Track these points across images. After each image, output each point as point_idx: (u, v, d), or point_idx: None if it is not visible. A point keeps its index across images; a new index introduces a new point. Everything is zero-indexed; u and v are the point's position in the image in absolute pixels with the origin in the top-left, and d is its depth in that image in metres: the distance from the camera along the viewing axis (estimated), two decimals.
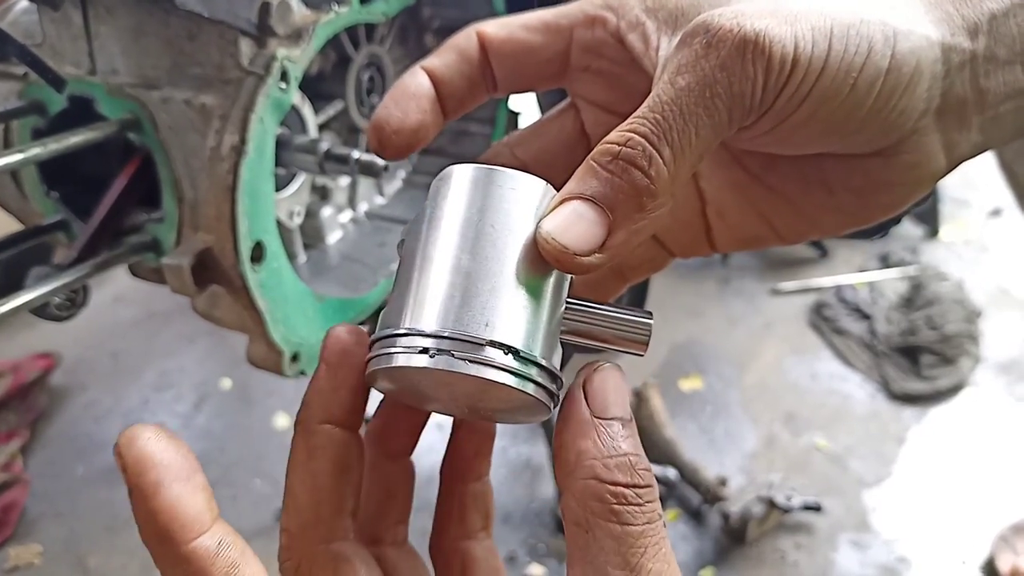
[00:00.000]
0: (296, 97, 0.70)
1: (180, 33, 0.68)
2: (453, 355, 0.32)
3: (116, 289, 2.04)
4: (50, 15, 0.72)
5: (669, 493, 1.51)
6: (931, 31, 0.37)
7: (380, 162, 0.85)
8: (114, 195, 0.76)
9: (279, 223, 0.81)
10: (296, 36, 0.69)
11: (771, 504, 1.38)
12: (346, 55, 0.93)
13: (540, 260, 0.34)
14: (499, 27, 0.42)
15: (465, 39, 0.42)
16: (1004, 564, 1.37)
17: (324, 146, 0.82)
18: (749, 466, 1.62)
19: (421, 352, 0.32)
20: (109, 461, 1.68)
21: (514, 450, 1.61)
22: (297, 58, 0.68)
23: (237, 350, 1.93)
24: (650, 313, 0.37)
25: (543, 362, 0.33)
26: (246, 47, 0.66)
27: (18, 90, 0.75)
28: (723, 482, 1.45)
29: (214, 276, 0.67)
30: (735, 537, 1.40)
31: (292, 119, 0.84)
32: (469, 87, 0.43)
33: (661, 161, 0.34)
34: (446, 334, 0.32)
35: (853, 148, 0.39)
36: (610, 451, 0.34)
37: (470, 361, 0.32)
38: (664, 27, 0.40)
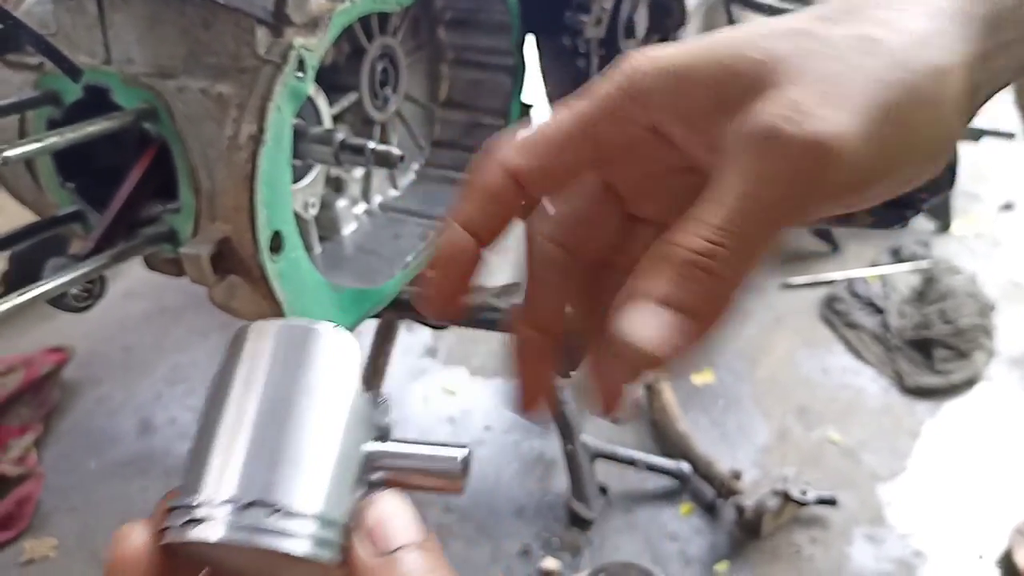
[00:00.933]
0: (311, 88, 0.70)
1: (195, 21, 0.67)
2: (200, 522, 0.32)
3: (127, 284, 2.04)
4: (65, 4, 0.72)
5: (683, 487, 1.50)
6: (961, 47, 0.37)
7: (396, 152, 0.84)
8: (130, 186, 0.76)
9: (295, 214, 0.81)
10: (312, 25, 0.68)
11: (786, 498, 1.37)
12: (360, 46, 0.93)
13: (333, 416, 0.35)
14: (526, 155, 0.39)
15: (495, 179, 0.39)
16: (1021, 558, 1.37)
17: (340, 136, 0.81)
18: (762, 460, 1.61)
19: (189, 522, 0.32)
20: (122, 455, 1.68)
21: (527, 444, 1.61)
22: (314, 47, 0.67)
23: None
24: (463, 446, 0.36)
25: (313, 515, 0.33)
26: (262, 36, 0.66)
27: (33, 80, 0.75)
28: (737, 476, 1.44)
29: (232, 266, 0.67)
30: (750, 531, 1.40)
31: (307, 110, 0.83)
32: (505, 225, 0.41)
33: (741, 272, 0.35)
34: (217, 501, 0.32)
35: (907, 187, 0.40)
36: None
37: (235, 527, 0.32)
38: (704, 113, 0.38)
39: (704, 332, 0.35)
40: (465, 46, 1.12)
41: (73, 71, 0.67)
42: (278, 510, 0.32)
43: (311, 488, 0.33)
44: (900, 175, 0.37)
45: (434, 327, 1.00)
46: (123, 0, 0.70)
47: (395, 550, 0.34)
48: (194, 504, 0.32)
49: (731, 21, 1.30)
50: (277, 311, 0.70)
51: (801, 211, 0.35)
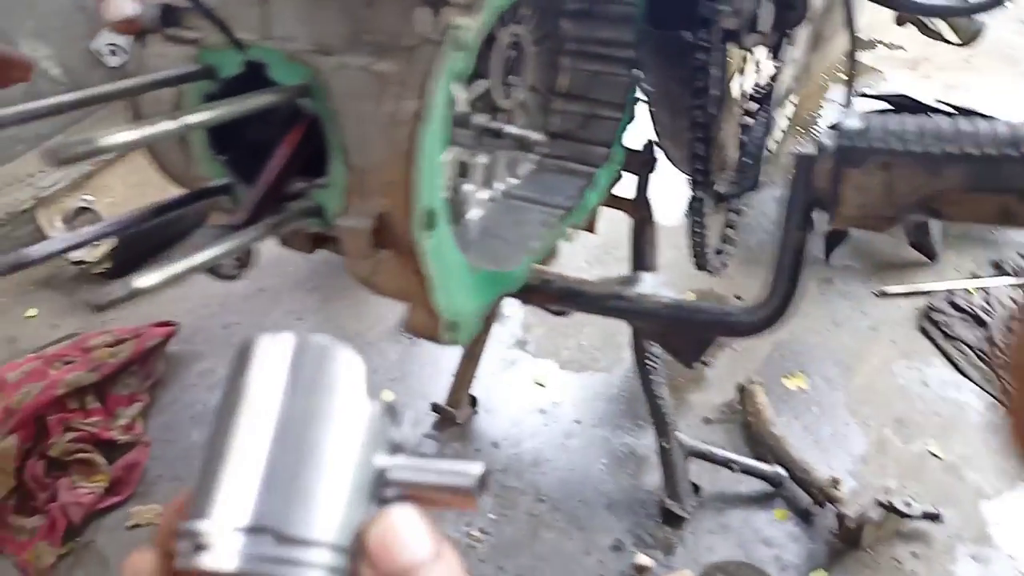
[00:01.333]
0: (467, 67, 0.71)
1: (358, 0, 0.69)
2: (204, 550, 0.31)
3: None
4: None
5: (777, 492, 1.47)
6: None
7: (533, 136, 0.85)
8: (280, 160, 0.78)
9: None
10: (468, 6, 0.69)
11: (891, 509, 1.33)
12: (491, 34, 0.94)
13: (346, 436, 0.34)
14: None
15: None
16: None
17: (479, 119, 0.82)
18: (859, 470, 1.57)
19: (199, 548, 0.31)
20: None
21: (617, 440, 1.60)
22: (472, 27, 0.68)
23: (345, 329, 1.96)
24: (481, 464, 0.35)
25: (326, 543, 0.32)
26: (423, 14, 0.67)
27: (192, 55, 0.78)
28: (836, 483, 1.41)
29: (385, 241, 0.68)
30: (850, 541, 1.36)
31: None
32: None
33: None
34: (229, 527, 0.31)
35: None
36: None
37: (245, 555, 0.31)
38: None
39: None
40: (586, 38, 1.12)
41: (239, 44, 0.69)
42: (291, 539, 0.31)
43: (324, 515, 0.32)
44: None
45: (557, 314, 1.00)
46: None
47: (403, 569, 0.33)
48: (204, 530, 0.31)
49: (850, 19, 1.27)
50: (422, 287, 0.71)
51: None
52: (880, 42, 3.30)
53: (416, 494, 0.35)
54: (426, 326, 0.73)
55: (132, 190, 2.43)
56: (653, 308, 0.84)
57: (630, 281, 0.96)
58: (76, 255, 2.25)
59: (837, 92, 1.81)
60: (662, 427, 1.40)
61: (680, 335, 0.89)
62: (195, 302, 2.00)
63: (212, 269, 0.73)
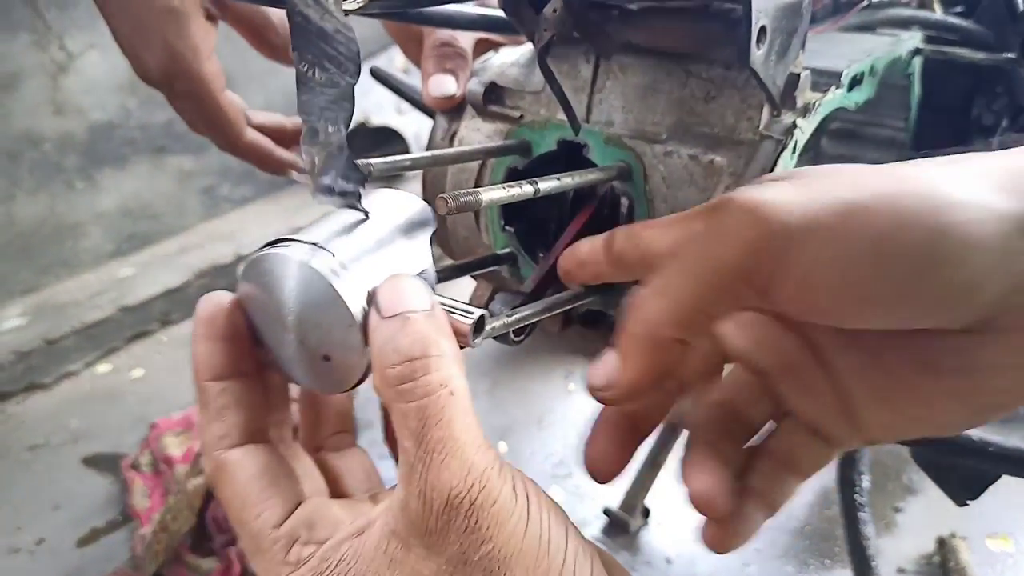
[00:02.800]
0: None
1: (696, 94, 0.71)
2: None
3: None
4: (559, 67, 0.78)
5: None
6: (998, 202, 0.35)
7: None
8: (569, 237, 0.80)
9: None
10: (804, 110, 0.70)
11: None
12: None
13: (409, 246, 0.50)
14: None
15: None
16: None
17: None
18: None
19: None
20: None
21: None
22: (806, 129, 0.69)
23: (512, 416, 1.97)
24: (481, 311, 0.47)
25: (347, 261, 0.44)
26: (765, 113, 0.68)
27: (505, 131, 0.82)
28: None
29: None
30: None
31: None
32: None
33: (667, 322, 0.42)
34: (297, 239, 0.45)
35: (924, 322, 0.37)
36: (385, 341, 0.40)
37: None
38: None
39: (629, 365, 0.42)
40: (845, 157, 1.12)
41: (577, 125, 0.73)
42: (331, 253, 0.44)
43: (359, 257, 0.45)
44: (879, 291, 0.36)
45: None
46: (621, 70, 0.75)
47: (394, 316, 0.41)
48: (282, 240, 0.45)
49: None
50: None
51: (744, 280, 0.38)
52: None
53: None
54: None
55: None
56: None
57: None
58: None
59: None
60: (864, 572, 1.31)
61: (964, 467, 0.84)
62: None
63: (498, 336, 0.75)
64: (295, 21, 0.42)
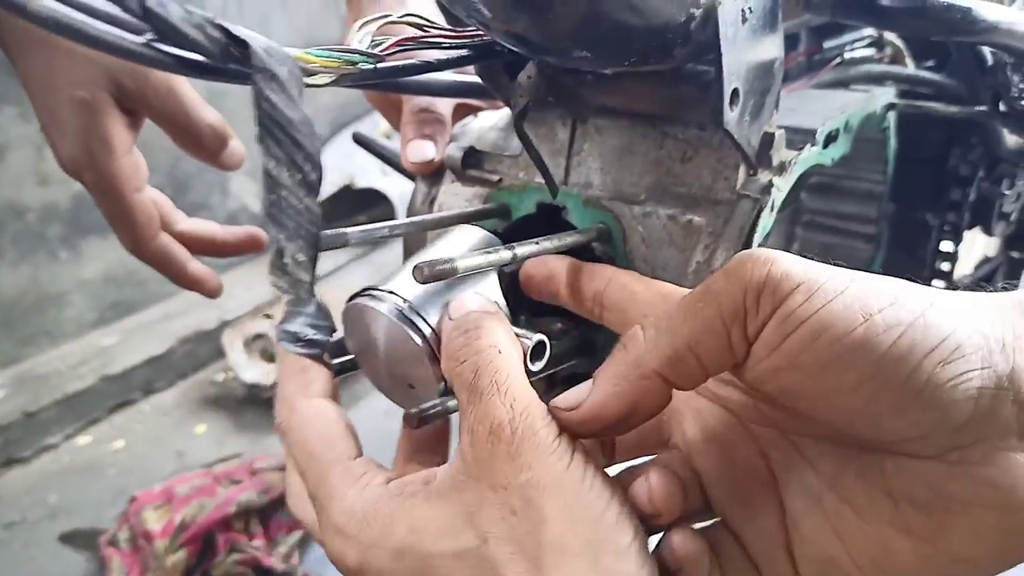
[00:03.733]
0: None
1: (673, 155, 0.71)
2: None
3: (386, 404, 2.14)
4: (536, 130, 0.79)
5: None
6: (991, 328, 0.35)
7: None
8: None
9: None
10: (780, 168, 0.70)
11: None
12: None
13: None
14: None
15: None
16: None
17: None
18: None
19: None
20: None
21: None
22: (783, 188, 0.69)
23: None
24: (540, 335, 0.53)
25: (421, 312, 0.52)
26: (741, 172, 0.68)
27: (484, 195, 0.82)
28: None
29: None
30: None
31: None
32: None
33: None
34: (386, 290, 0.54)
35: (890, 432, 0.36)
36: (449, 329, 0.48)
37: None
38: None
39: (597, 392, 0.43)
40: (823, 210, 1.13)
41: (555, 188, 0.72)
42: (425, 319, 0.51)
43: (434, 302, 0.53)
44: (856, 387, 0.36)
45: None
46: (598, 131, 0.75)
47: (459, 317, 0.48)
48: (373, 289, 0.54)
49: None
50: None
51: (736, 319, 0.39)
52: None
53: None
54: None
55: None
56: None
57: None
58: (250, 377, 2.35)
59: None
60: None
61: None
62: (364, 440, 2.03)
63: None
64: (261, 108, 0.41)
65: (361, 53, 0.49)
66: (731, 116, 0.60)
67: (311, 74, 0.45)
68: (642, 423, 0.44)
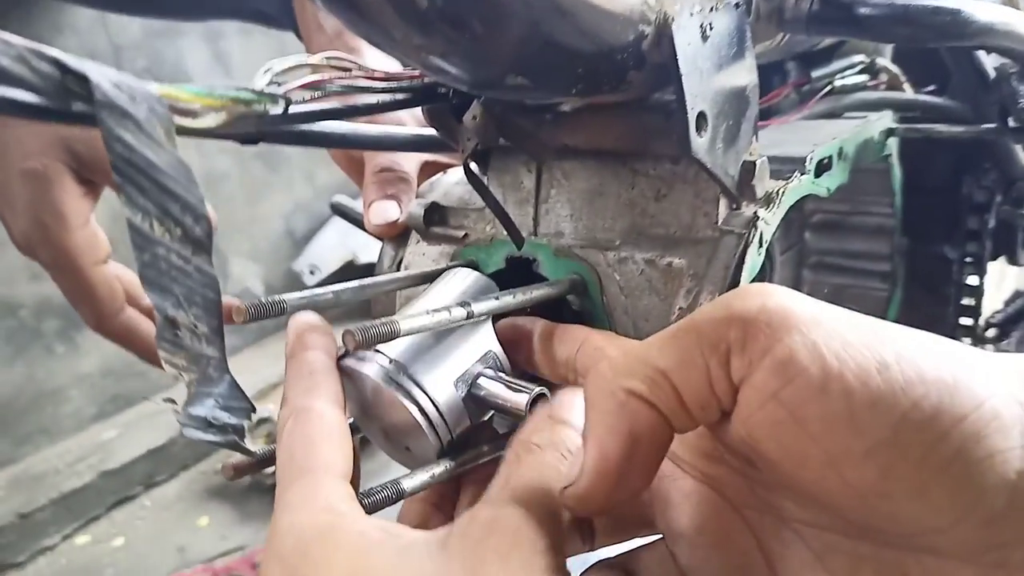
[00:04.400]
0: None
1: (646, 193, 0.64)
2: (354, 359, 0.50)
3: None
4: (499, 179, 0.72)
5: None
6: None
7: None
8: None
9: None
10: (766, 200, 0.63)
11: None
12: None
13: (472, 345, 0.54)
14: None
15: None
16: None
17: None
18: None
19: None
20: None
21: None
22: (771, 221, 0.62)
23: None
24: (541, 388, 0.50)
25: (427, 388, 0.49)
26: (722, 206, 0.61)
27: (451, 252, 0.75)
28: None
29: None
30: None
31: None
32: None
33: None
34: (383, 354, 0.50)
35: (909, 519, 0.29)
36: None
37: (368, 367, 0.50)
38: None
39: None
40: (832, 250, 1.05)
41: (519, 240, 0.65)
42: (411, 376, 0.49)
43: (435, 376, 0.50)
44: (859, 460, 0.29)
45: None
46: (565, 176, 0.69)
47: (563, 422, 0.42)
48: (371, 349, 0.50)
49: None
50: None
51: (721, 347, 0.34)
52: None
53: (490, 401, 0.51)
54: None
55: None
56: None
57: None
58: None
59: None
60: None
61: None
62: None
63: None
64: (113, 151, 0.34)
65: (257, 93, 0.42)
66: (700, 142, 0.53)
67: (188, 114, 0.38)
68: (652, 464, 0.36)
